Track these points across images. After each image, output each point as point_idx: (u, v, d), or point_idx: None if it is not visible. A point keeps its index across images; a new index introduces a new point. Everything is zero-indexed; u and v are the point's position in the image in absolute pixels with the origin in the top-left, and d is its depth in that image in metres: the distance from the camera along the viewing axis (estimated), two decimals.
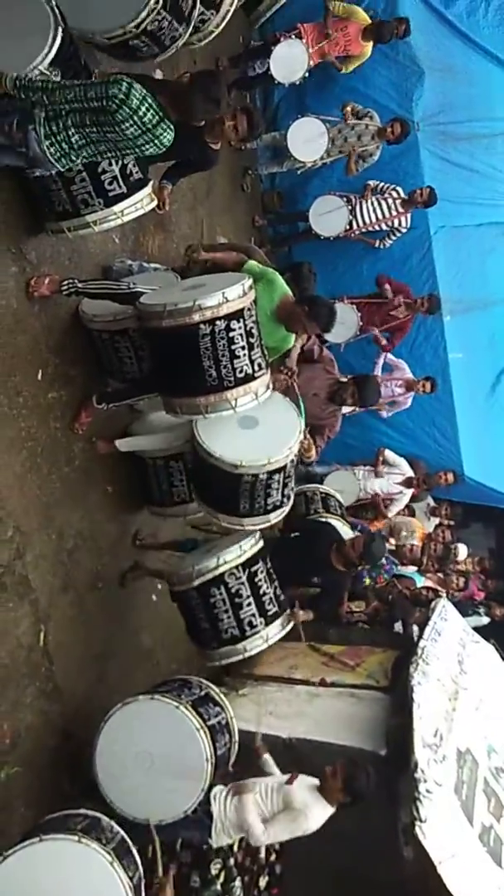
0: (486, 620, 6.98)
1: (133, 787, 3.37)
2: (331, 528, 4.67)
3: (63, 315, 3.95)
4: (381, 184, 6.61)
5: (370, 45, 6.28)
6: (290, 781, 3.54)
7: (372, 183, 6.60)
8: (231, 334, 3.44)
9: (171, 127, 2.91)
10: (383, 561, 5.88)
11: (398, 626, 5.95)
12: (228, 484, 3.75)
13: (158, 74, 4.96)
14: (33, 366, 3.73)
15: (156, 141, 2.90)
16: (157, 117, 2.83)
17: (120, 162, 3.44)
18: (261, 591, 4.03)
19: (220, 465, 3.67)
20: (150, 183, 3.70)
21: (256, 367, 3.61)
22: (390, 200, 6.58)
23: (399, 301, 6.52)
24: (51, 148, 2.82)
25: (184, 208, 5.57)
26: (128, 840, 2.94)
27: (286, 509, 4.10)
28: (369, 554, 4.24)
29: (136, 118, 2.78)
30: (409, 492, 6.84)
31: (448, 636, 5.23)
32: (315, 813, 3.47)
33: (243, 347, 3.50)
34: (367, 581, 5.88)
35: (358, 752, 4.51)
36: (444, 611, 5.53)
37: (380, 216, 6.65)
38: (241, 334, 3.47)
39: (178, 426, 4.10)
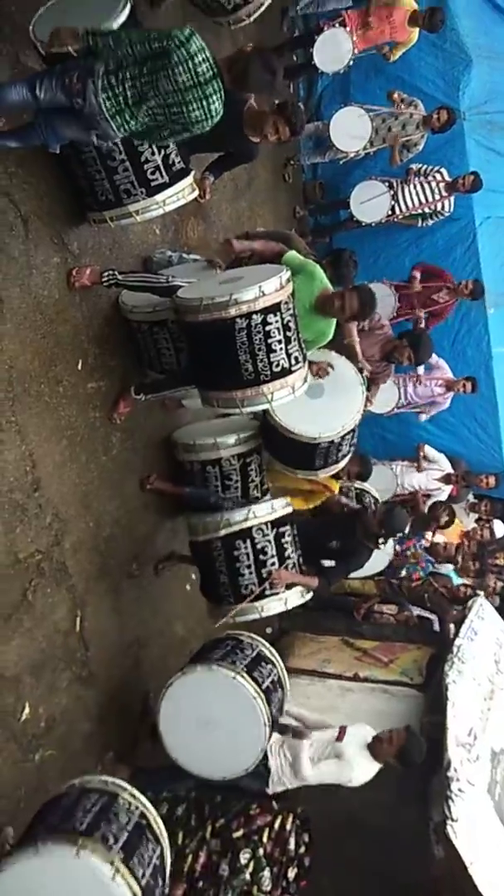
0: None
1: (196, 748, 3.60)
2: (353, 510, 4.66)
3: (103, 306, 3.98)
4: (425, 166, 6.50)
5: (416, 31, 6.16)
6: (339, 738, 3.74)
7: (415, 166, 6.49)
8: (268, 328, 3.42)
9: (222, 91, 2.86)
10: (421, 554, 5.81)
11: (435, 625, 5.89)
12: (306, 451, 4.14)
13: None
14: (74, 356, 3.77)
15: (205, 101, 2.82)
16: (210, 72, 2.79)
17: (163, 151, 3.44)
18: (286, 554, 4.07)
19: (298, 438, 4.02)
20: (192, 173, 3.70)
21: (293, 361, 3.59)
22: (434, 184, 6.44)
23: (440, 286, 6.40)
24: (107, 102, 2.79)
25: (224, 199, 5.55)
26: (148, 814, 2.73)
27: (351, 453, 4.49)
28: (390, 523, 4.23)
29: (190, 64, 2.74)
30: (448, 488, 6.75)
31: (485, 635, 5.17)
32: (362, 767, 3.68)
33: (280, 341, 3.48)
34: (403, 573, 5.83)
35: None
36: (482, 609, 5.46)
37: (423, 200, 6.52)
38: (277, 328, 3.45)
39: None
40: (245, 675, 3.59)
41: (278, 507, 4.07)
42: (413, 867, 3.97)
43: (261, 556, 3.97)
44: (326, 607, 6.27)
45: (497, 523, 7.03)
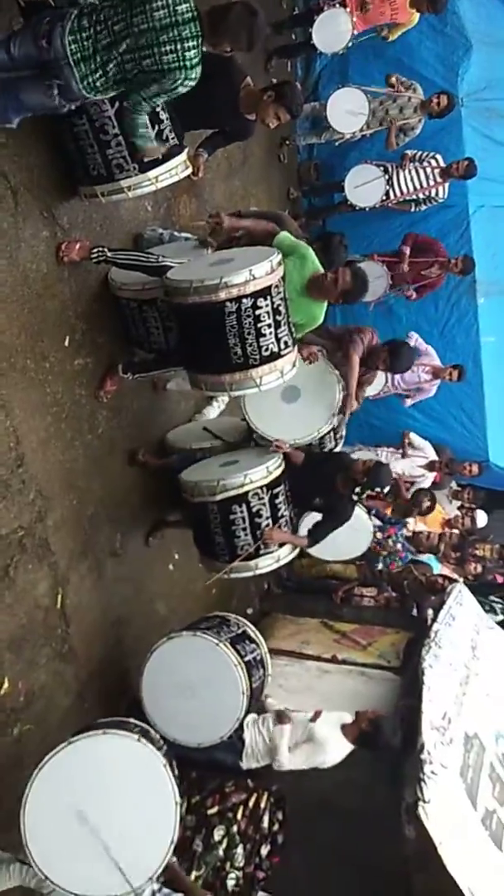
0: (501, 618, 6.92)
1: (175, 712, 3.72)
2: (340, 457, 4.65)
3: (92, 282, 3.94)
4: (421, 152, 6.46)
5: (417, 13, 6.09)
6: (313, 719, 3.88)
7: (410, 152, 6.45)
8: (257, 312, 3.40)
9: (200, 39, 2.75)
10: (399, 548, 5.85)
11: (413, 610, 5.95)
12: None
13: None
14: (61, 331, 3.74)
15: (179, 44, 2.70)
16: (189, 13, 2.69)
17: (156, 126, 3.39)
18: (279, 514, 4.11)
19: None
20: (186, 150, 3.65)
21: (283, 345, 3.58)
22: (429, 169, 6.41)
23: (431, 262, 6.39)
24: (72, 45, 2.67)
25: (218, 177, 5.50)
26: (170, 753, 3.07)
27: (340, 445, 4.71)
28: (375, 477, 4.21)
29: (170, 0, 2.65)
30: (431, 475, 6.79)
31: (462, 621, 5.23)
32: (334, 747, 3.81)
33: (269, 325, 3.47)
34: (381, 566, 5.86)
35: None
36: (460, 595, 5.52)
37: (417, 185, 6.49)
38: (267, 312, 3.43)
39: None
40: (227, 644, 3.74)
41: (273, 468, 4.07)
42: (384, 846, 4.03)
43: (256, 519, 4.01)
44: (307, 590, 6.33)
45: (479, 513, 7.09)
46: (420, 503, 5.95)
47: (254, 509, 3.99)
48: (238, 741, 3.87)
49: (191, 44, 2.73)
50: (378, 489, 4.78)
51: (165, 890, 2.92)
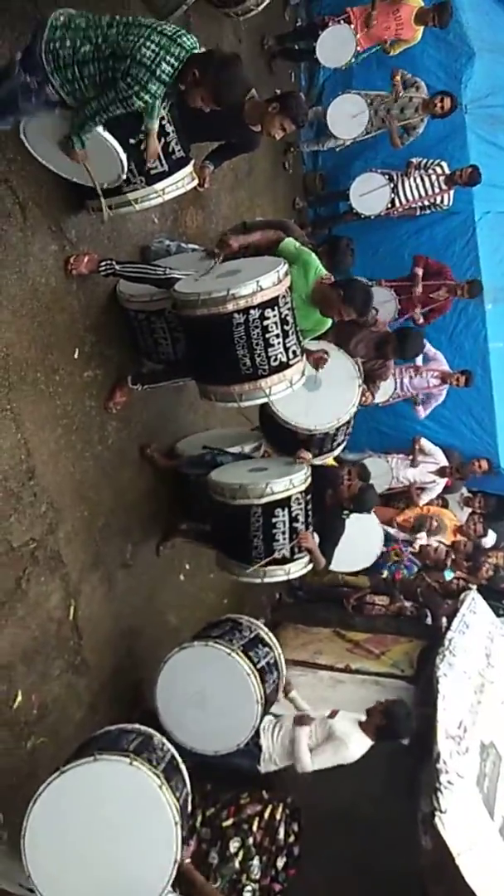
0: None
1: (190, 721, 3.71)
2: (333, 473, 4.61)
3: (100, 294, 3.96)
4: (425, 160, 6.48)
5: (421, 29, 6.10)
6: (331, 716, 3.89)
7: (415, 160, 6.47)
8: (265, 323, 3.42)
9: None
10: (405, 555, 5.83)
11: (428, 618, 5.91)
12: (302, 441, 4.22)
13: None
14: (70, 344, 3.76)
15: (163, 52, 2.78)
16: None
17: (162, 139, 3.42)
18: (309, 520, 4.10)
19: (294, 429, 4.13)
20: (192, 162, 3.67)
21: (291, 355, 3.59)
22: (434, 177, 6.43)
23: (439, 284, 6.40)
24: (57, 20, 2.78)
25: (224, 189, 5.53)
26: (177, 757, 3.03)
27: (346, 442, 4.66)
28: (360, 503, 4.23)
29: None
30: (443, 481, 6.77)
31: (476, 629, 5.20)
32: (355, 742, 3.79)
33: (277, 336, 3.48)
34: (385, 573, 5.83)
35: None
36: (474, 603, 5.50)
37: (422, 193, 6.50)
38: (275, 322, 3.45)
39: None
40: (240, 653, 3.69)
41: (308, 474, 4.09)
42: (401, 857, 4.00)
43: (294, 524, 4.00)
44: (318, 599, 6.30)
45: (489, 533, 7.05)
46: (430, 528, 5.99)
47: (294, 513, 3.98)
48: (255, 747, 3.85)
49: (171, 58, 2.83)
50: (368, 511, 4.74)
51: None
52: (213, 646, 3.70)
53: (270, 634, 4.13)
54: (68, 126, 3.02)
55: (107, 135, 3.08)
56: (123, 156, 3.19)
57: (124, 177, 3.29)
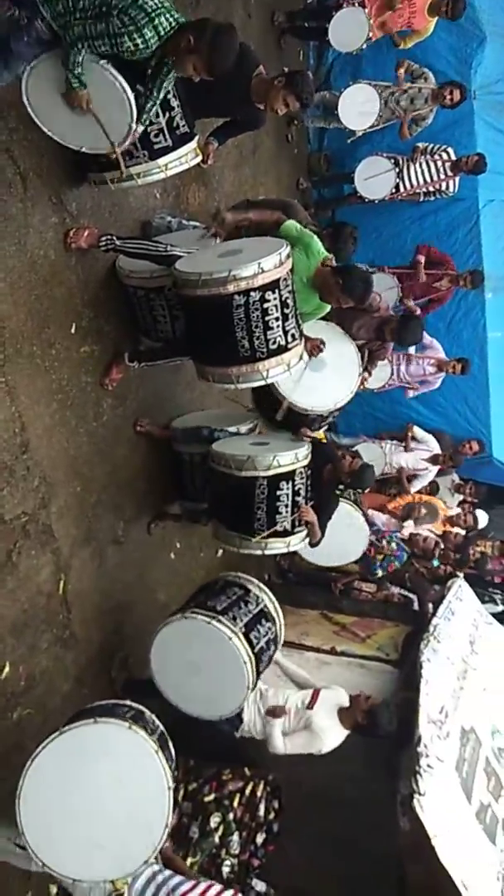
0: (501, 608, 6.94)
1: (181, 685, 3.80)
2: (331, 450, 4.66)
3: (100, 269, 3.93)
4: (432, 145, 6.43)
5: (434, 20, 6.00)
6: (310, 706, 3.87)
7: (422, 145, 6.41)
8: (265, 305, 3.40)
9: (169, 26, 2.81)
10: (394, 547, 5.84)
11: (415, 604, 5.96)
12: (297, 418, 4.28)
13: None
14: (68, 318, 3.73)
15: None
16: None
17: (167, 114, 3.38)
18: (309, 494, 4.13)
19: (292, 406, 4.17)
20: (196, 138, 3.63)
21: (290, 339, 3.57)
22: (440, 163, 6.38)
23: (441, 274, 6.38)
24: None
25: (228, 166, 5.47)
26: (166, 734, 3.09)
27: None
28: (360, 479, 4.25)
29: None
30: (435, 469, 6.79)
31: (461, 616, 5.25)
32: (330, 736, 3.81)
33: (277, 319, 3.46)
34: (380, 573, 5.86)
35: None
36: (460, 591, 5.54)
37: (428, 178, 6.46)
38: (275, 305, 3.43)
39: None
40: (241, 636, 3.69)
41: (308, 450, 4.13)
42: (379, 837, 4.07)
43: (296, 498, 4.02)
44: (307, 581, 6.34)
45: (480, 513, 7.08)
46: (416, 517, 6.03)
47: (297, 487, 4.00)
48: (237, 718, 3.91)
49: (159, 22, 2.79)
50: (364, 488, 4.83)
51: (166, 871, 2.95)
52: (216, 626, 3.66)
53: (276, 604, 4.12)
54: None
55: (110, 68, 2.95)
56: (131, 94, 3.03)
57: (135, 127, 3.15)
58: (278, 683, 4.17)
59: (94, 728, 2.81)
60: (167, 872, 2.98)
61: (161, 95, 3.19)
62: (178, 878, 2.95)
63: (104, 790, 2.80)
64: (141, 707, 3.12)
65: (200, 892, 2.89)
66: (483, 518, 7.03)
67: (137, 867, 2.82)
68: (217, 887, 2.96)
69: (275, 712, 3.87)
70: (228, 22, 3.13)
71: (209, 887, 2.93)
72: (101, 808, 2.80)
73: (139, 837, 2.82)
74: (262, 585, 4.18)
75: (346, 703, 3.91)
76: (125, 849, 2.80)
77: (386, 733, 3.87)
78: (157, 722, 3.10)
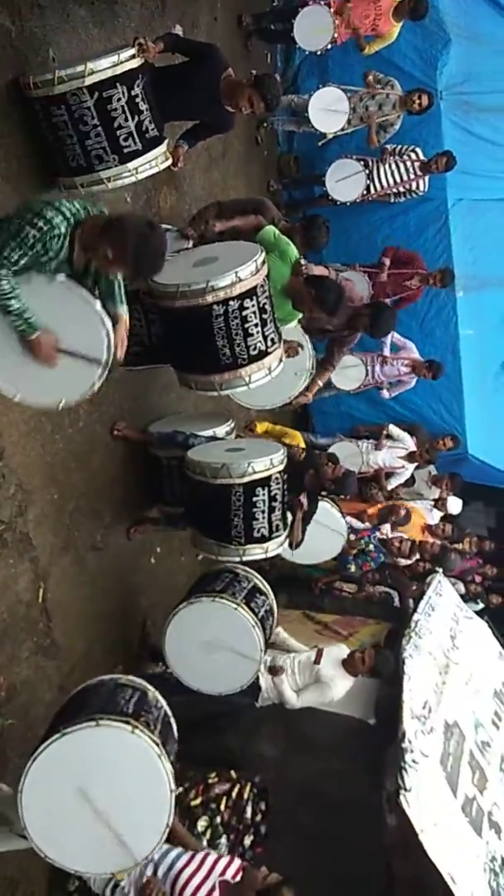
0: (480, 607, 7.01)
1: (197, 666, 4.05)
2: (312, 454, 4.70)
3: None
4: (400, 146, 6.49)
5: (399, 25, 6.06)
6: (317, 661, 4.28)
7: (390, 146, 6.48)
8: (244, 313, 3.45)
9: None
10: (371, 548, 5.87)
11: (395, 601, 5.99)
12: None
13: (178, 30, 4.84)
14: None
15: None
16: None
17: (136, 117, 3.37)
18: (285, 499, 4.15)
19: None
20: (166, 141, 3.63)
21: (269, 343, 3.62)
22: (409, 163, 6.45)
23: (411, 273, 6.43)
24: None
25: (198, 169, 5.48)
26: (169, 713, 3.10)
27: None
28: (342, 486, 4.42)
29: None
30: (412, 466, 6.84)
31: (442, 611, 5.29)
32: (339, 684, 4.25)
33: (256, 325, 3.51)
34: (353, 568, 5.88)
35: (347, 720, 4.60)
36: (440, 586, 5.58)
37: (397, 179, 6.53)
38: (254, 312, 3.48)
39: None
40: (244, 606, 3.98)
41: (283, 454, 4.15)
42: (366, 835, 4.08)
43: (273, 503, 4.02)
44: (287, 581, 6.35)
45: (452, 500, 7.12)
46: (396, 517, 6.06)
47: (272, 493, 4.00)
48: (255, 687, 4.20)
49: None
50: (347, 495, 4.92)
51: (164, 846, 2.98)
52: (222, 601, 3.97)
53: (263, 581, 4.38)
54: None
55: (56, 281, 2.62)
56: (95, 302, 2.72)
57: (110, 341, 2.78)
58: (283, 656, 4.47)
59: (96, 732, 2.76)
60: (164, 847, 2.99)
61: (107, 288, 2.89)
62: (174, 853, 3.00)
63: (105, 792, 2.79)
64: (144, 686, 3.09)
65: (198, 863, 2.97)
66: (456, 504, 7.08)
67: (142, 859, 2.84)
68: (213, 856, 3.03)
69: (274, 670, 4.21)
70: (145, 219, 2.81)
71: (206, 856, 3.01)
72: (102, 809, 2.78)
73: (140, 836, 2.82)
74: (247, 569, 4.34)
75: (345, 655, 4.33)
76: (130, 842, 2.80)
77: (388, 675, 4.36)
78: (161, 701, 3.09)
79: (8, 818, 3.00)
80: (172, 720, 3.08)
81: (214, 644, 3.98)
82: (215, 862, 2.99)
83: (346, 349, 5.31)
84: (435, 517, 7.08)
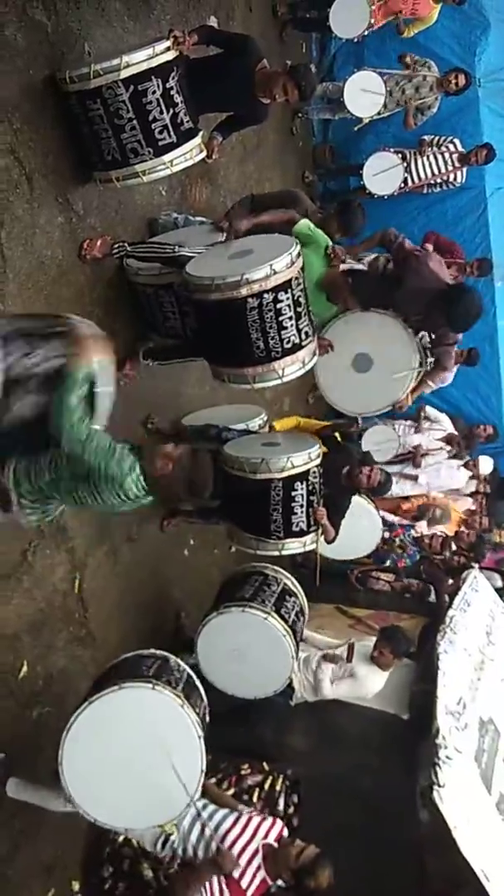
0: (501, 584, 6.86)
1: (230, 673, 4.05)
2: (350, 450, 4.68)
3: (107, 268, 3.93)
4: (438, 137, 6.38)
5: (438, 7, 5.96)
6: (349, 658, 4.37)
7: (428, 138, 6.38)
8: (279, 306, 3.42)
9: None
10: (407, 545, 5.83)
11: (432, 595, 5.93)
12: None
13: (213, 21, 4.83)
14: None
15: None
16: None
17: (171, 110, 3.37)
18: (322, 492, 4.15)
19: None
20: (200, 133, 3.63)
21: (304, 336, 3.60)
22: (447, 155, 6.35)
23: (449, 262, 6.32)
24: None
25: (232, 161, 5.46)
26: (192, 675, 3.21)
27: None
28: (380, 492, 4.43)
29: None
30: (448, 448, 6.76)
31: (477, 607, 5.22)
32: (372, 680, 4.35)
33: (290, 318, 3.49)
34: (388, 563, 5.85)
35: (381, 715, 4.59)
36: (476, 582, 5.51)
37: (435, 171, 6.44)
38: (288, 305, 3.45)
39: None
40: (274, 614, 3.95)
41: (319, 448, 4.15)
42: (398, 830, 4.06)
43: (311, 497, 4.03)
44: (324, 574, 6.32)
45: (483, 459, 6.98)
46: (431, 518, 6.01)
47: (311, 487, 4.00)
48: (288, 688, 4.20)
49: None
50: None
51: (210, 807, 3.18)
52: (250, 612, 3.92)
53: (293, 580, 4.38)
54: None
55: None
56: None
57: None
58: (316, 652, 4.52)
59: (119, 694, 2.90)
60: (210, 808, 3.17)
61: None
62: (220, 814, 3.14)
63: (138, 749, 2.94)
64: (165, 654, 3.22)
65: (243, 825, 3.10)
66: (487, 464, 6.94)
67: (181, 811, 2.98)
68: (257, 818, 3.16)
69: (329, 658, 4.35)
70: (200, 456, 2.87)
71: (250, 818, 3.14)
72: (138, 766, 2.94)
73: (178, 787, 2.93)
74: (276, 567, 4.34)
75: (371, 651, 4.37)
76: (167, 796, 2.95)
77: (407, 651, 4.48)
78: (183, 666, 3.20)
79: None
80: (198, 682, 3.22)
81: (245, 653, 3.97)
82: (259, 824, 3.13)
83: (451, 347, 5.11)
84: (464, 480, 6.96)
